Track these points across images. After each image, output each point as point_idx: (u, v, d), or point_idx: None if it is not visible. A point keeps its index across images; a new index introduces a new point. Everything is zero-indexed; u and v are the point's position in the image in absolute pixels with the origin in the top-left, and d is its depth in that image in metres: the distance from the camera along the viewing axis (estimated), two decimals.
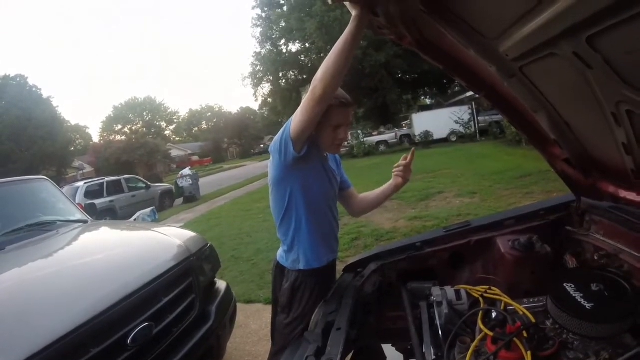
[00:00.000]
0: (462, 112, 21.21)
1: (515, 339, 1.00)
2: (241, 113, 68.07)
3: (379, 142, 25.10)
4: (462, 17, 1.13)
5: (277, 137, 1.59)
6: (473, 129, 21.09)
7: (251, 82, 31.91)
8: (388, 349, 1.85)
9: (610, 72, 0.92)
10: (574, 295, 1.13)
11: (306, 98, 1.42)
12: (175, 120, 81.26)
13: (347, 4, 1.27)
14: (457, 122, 21.13)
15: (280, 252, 1.84)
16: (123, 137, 51.55)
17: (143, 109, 72.47)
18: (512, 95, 1.46)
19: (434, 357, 1.17)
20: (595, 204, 1.59)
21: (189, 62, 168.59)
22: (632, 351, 0.96)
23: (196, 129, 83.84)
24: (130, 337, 1.79)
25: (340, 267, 1.93)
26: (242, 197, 14.13)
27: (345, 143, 22.48)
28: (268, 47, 29.96)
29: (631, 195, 1.43)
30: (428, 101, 38.08)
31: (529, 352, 0.96)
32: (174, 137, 78.72)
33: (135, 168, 33.52)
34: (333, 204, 1.82)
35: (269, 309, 1.97)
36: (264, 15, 30.00)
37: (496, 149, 14.97)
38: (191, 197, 15.62)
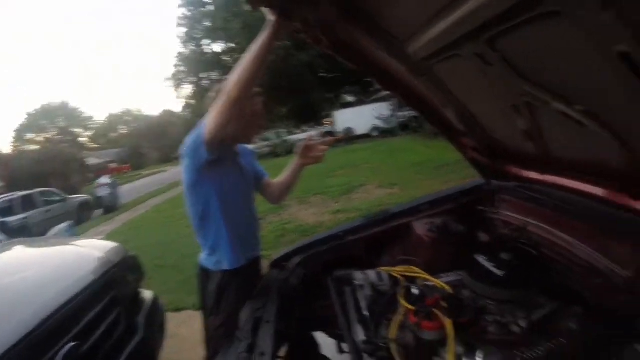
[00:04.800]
0: (383, 108, 21.99)
1: (434, 309, 1.08)
2: (162, 116, 64.84)
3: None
4: (377, 22, 1.21)
5: (189, 141, 1.56)
6: (394, 124, 21.94)
7: (173, 84, 30.71)
8: (322, 337, 1.87)
9: (509, 69, 1.03)
10: (486, 265, 1.22)
11: (221, 101, 1.41)
12: (92, 126, 75.01)
13: (263, 9, 1.28)
14: (378, 118, 21.85)
15: (202, 256, 1.82)
16: (38, 147, 46.73)
17: (58, 114, 66.00)
18: (424, 93, 1.57)
19: (364, 338, 1.21)
20: (503, 185, 1.76)
21: (109, 64, 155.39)
22: (545, 309, 1.08)
23: (115, 134, 78.21)
24: None
25: (267, 264, 1.93)
26: (163, 204, 13.55)
27: (268, 142, 22.44)
28: (191, 47, 28.94)
29: (533, 175, 1.60)
30: (351, 99, 38.98)
31: (449, 320, 1.04)
32: (91, 144, 72.56)
33: (50, 180, 30.50)
34: (250, 201, 1.83)
35: (199, 315, 1.93)
36: (189, 14, 28.89)
37: (415, 142, 15.65)
38: (111, 207, 14.60)
